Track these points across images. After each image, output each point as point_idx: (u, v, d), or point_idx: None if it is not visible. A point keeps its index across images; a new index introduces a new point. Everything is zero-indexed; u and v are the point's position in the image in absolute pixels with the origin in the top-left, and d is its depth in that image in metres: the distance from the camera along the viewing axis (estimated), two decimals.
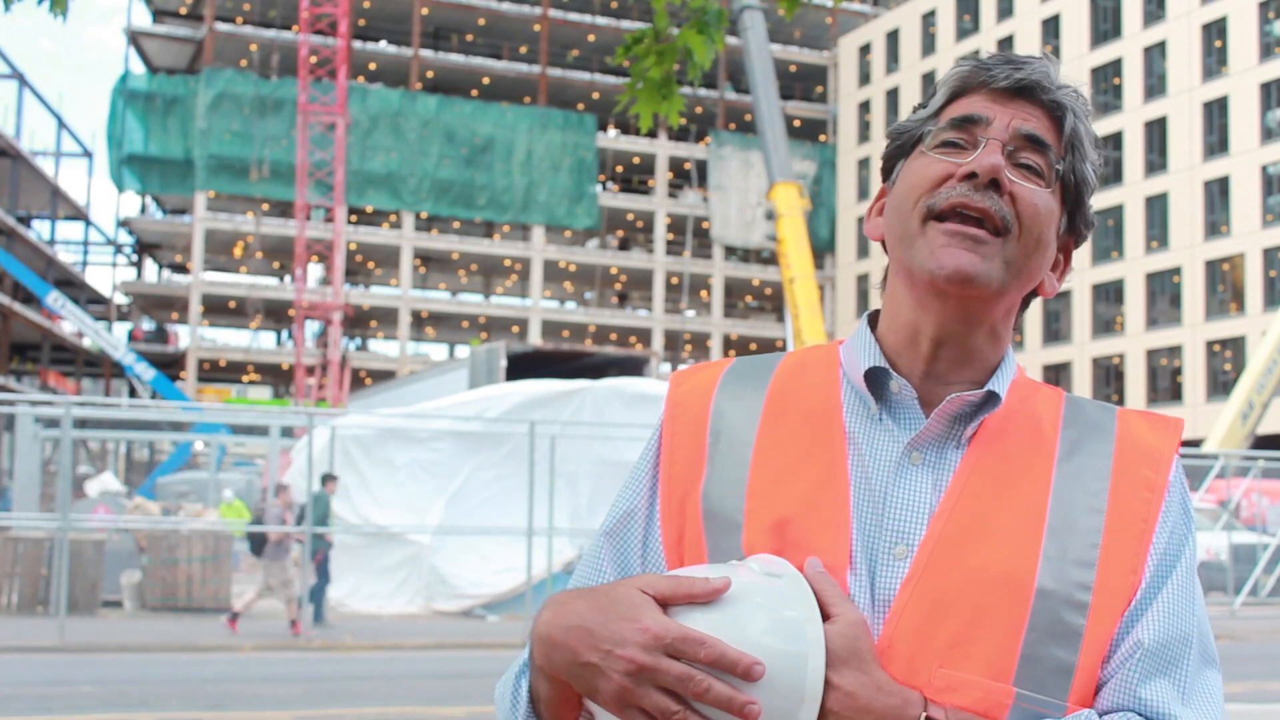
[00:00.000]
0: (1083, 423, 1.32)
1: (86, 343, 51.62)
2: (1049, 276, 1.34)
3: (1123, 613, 1.23)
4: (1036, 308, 54.31)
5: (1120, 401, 49.92)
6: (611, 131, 65.32)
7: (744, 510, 1.28)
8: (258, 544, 15.22)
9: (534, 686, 1.22)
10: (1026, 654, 1.19)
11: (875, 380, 1.32)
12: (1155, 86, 50.22)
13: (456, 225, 63.50)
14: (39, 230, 56.64)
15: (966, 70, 1.33)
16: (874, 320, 1.38)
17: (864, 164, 64.51)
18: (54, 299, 37.98)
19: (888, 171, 1.38)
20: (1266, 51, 46.37)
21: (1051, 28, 54.92)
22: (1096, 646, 1.22)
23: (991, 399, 1.29)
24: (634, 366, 26.97)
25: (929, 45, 61.45)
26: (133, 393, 46.61)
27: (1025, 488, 1.26)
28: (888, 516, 1.25)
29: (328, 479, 15.75)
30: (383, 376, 57.61)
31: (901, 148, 1.36)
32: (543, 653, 1.18)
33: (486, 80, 63.91)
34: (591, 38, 65.00)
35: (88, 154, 61.43)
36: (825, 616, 1.17)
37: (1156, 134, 50.02)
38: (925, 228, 1.28)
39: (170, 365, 57.88)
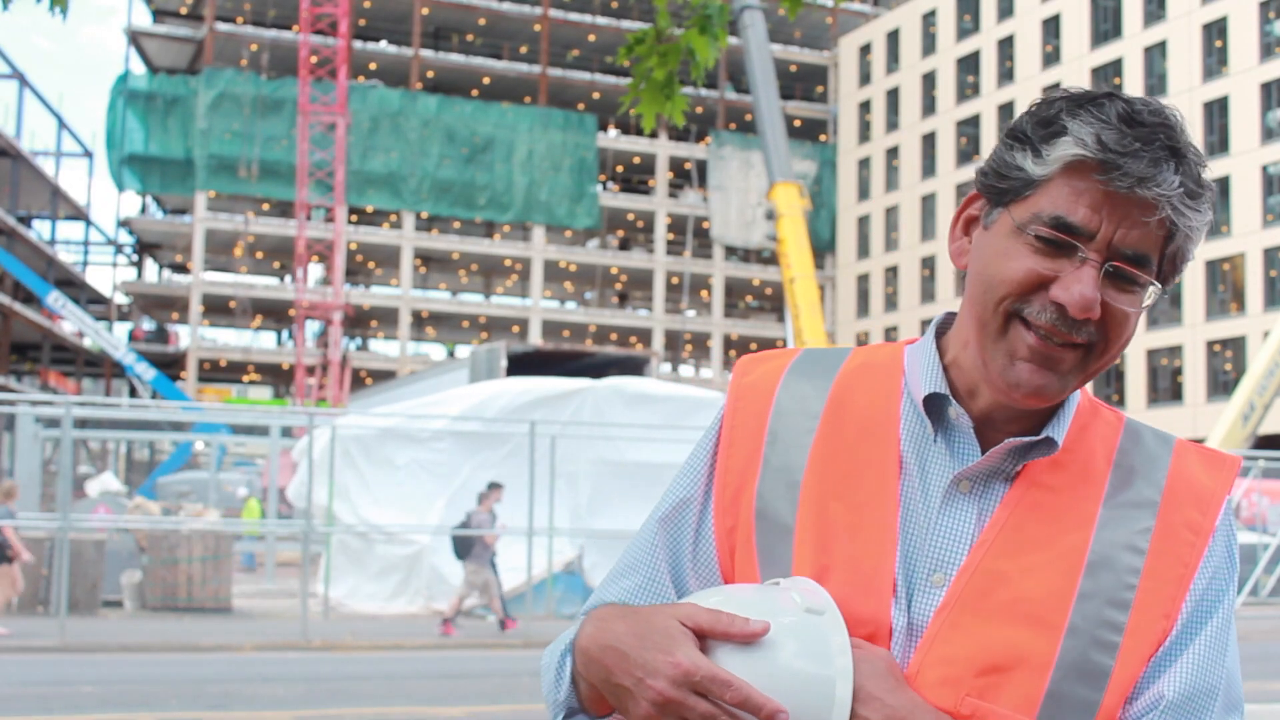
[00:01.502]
0: (1137, 455, 1.31)
1: (87, 343, 51.62)
2: None
3: (1151, 656, 1.23)
4: None
5: (1120, 402, 49.92)
6: (612, 131, 65.31)
7: (795, 517, 1.29)
8: (463, 547, 15.31)
9: (574, 678, 1.26)
10: (1052, 690, 1.20)
11: (934, 404, 1.31)
12: (1155, 86, 50.23)
13: (457, 225, 63.50)
14: (39, 230, 56.67)
15: (1093, 159, 1.21)
16: (941, 327, 1.37)
17: (864, 164, 64.52)
18: (54, 299, 37.99)
19: (993, 196, 1.29)
20: (1266, 51, 46.38)
21: (1052, 28, 54.93)
22: (1121, 687, 1.22)
23: (1047, 443, 1.27)
24: (634, 366, 26.97)
25: (929, 45, 61.44)
26: (133, 393, 46.61)
27: (1068, 524, 1.25)
28: (930, 543, 1.26)
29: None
30: (383, 376, 57.61)
31: (1000, 190, 1.27)
32: (582, 663, 1.23)
33: (487, 80, 63.91)
34: (591, 38, 64.99)
35: (88, 154, 61.45)
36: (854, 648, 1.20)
37: None
38: (1008, 330, 1.24)
39: (170, 365, 57.89)
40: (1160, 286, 1.25)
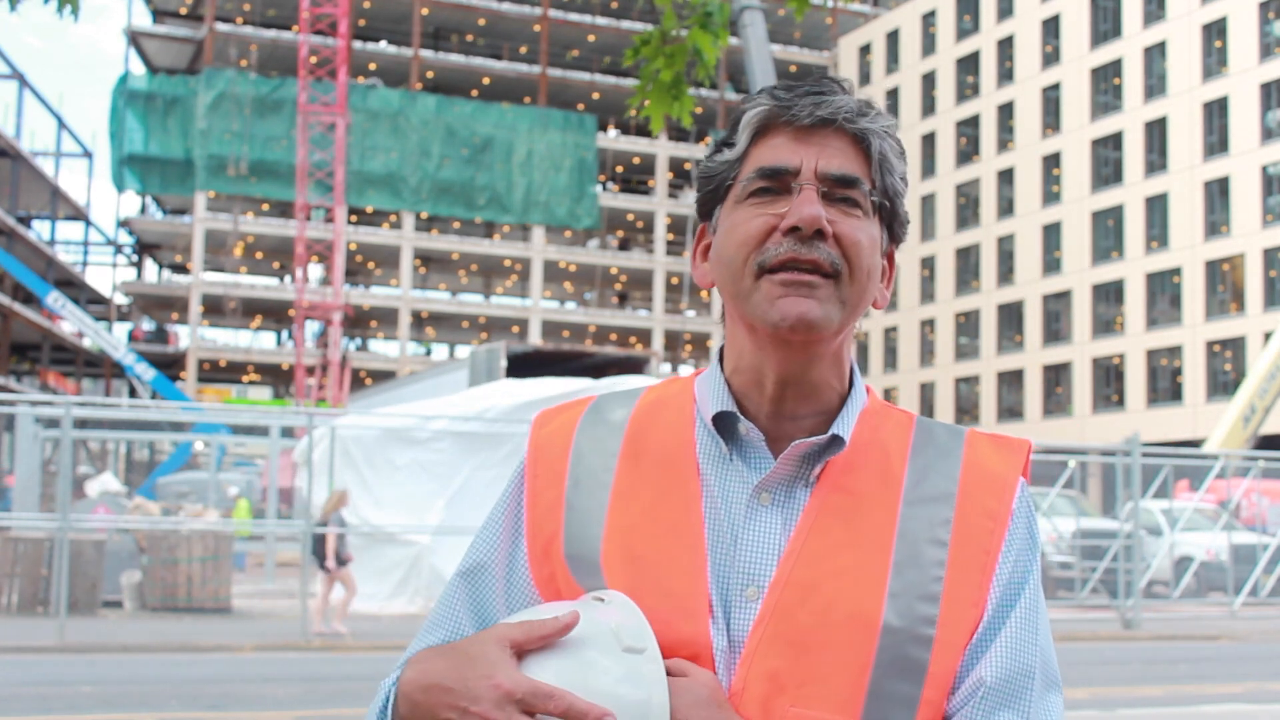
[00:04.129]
0: (931, 450, 1.34)
1: (86, 343, 51.62)
2: (878, 291, 1.35)
3: (966, 645, 1.26)
4: (1036, 308, 54.31)
5: (1120, 402, 49.92)
6: (611, 131, 65.31)
7: (600, 553, 1.29)
8: None
9: None
10: (873, 690, 1.22)
11: (724, 422, 1.33)
12: (1155, 86, 50.22)
13: (456, 225, 63.51)
14: (39, 230, 56.66)
15: (766, 109, 1.31)
16: (722, 352, 1.40)
17: None
18: (54, 299, 37.98)
19: (705, 213, 1.38)
20: (1266, 51, 46.37)
21: (1051, 28, 54.92)
22: (941, 679, 1.25)
23: (836, 442, 1.30)
24: (634, 366, 26.95)
25: (929, 45, 61.45)
26: (133, 393, 46.61)
27: (872, 524, 1.28)
28: (739, 558, 1.27)
29: None
30: (383, 376, 57.61)
31: (715, 192, 1.35)
32: (407, 710, 1.21)
33: (486, 80, 63.92)
34: (591, 38, 65.00)
35: (88, 154, 61.45)
36: (679, 674, 1.20)
37: (1156, 134, 50.02)
38: (759, 282, 1.28)
39: (170, 365, 57.89)
40: (889, 196, 1.32)
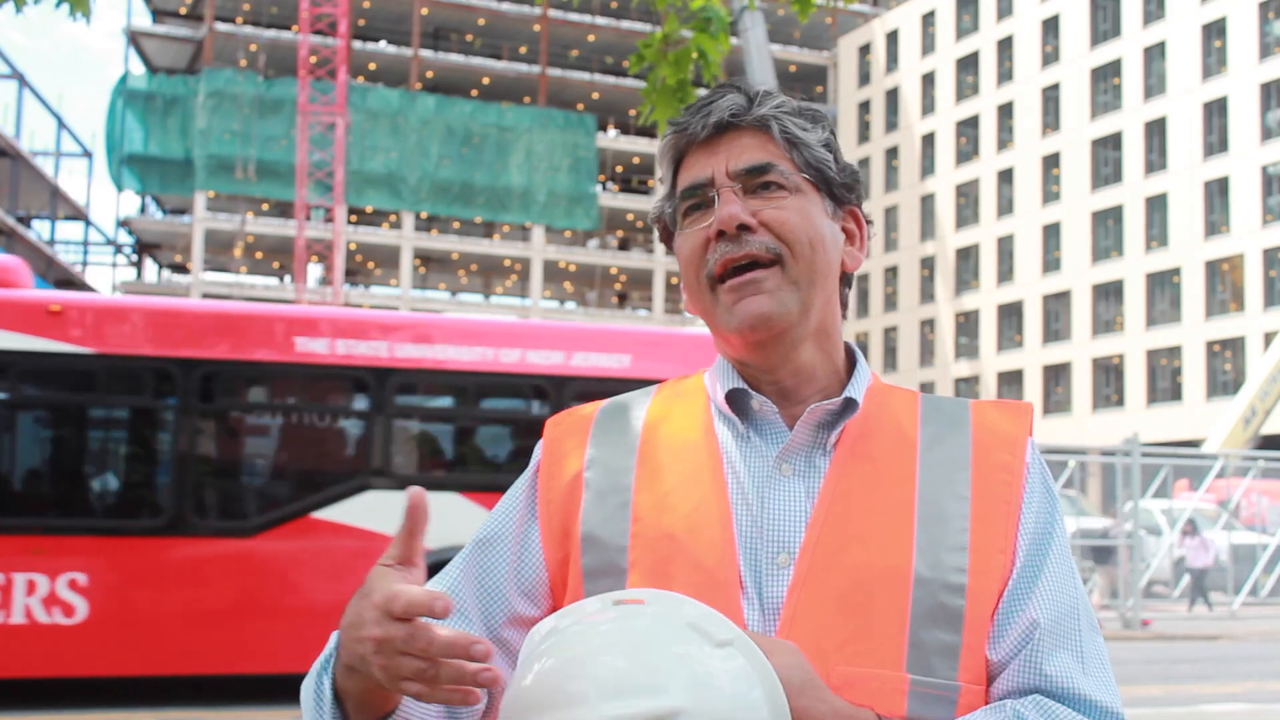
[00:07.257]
0: (940, 417, 1.38)
1: None
2: (847, 253, 1.42)
3: (999, 591, 1.29)
4: (1036, 307, 54.35)
5: (1120, 402, 49.94)
6: (611, 131, 65.32)
7: (629, 534, 1.32)
8: None
9: (341, 684, 1.23)
10: (913, 640, 1.25)
11: (737, 401, 1.38)
12: (1155, 86, 50.25)
13: (456, 225, 63.52)
14: (39, 230, 56.64)
15: (671, 138, 1.39)
16: None
17: (863, 164, 64.56)
18: None
19: (670, 239, 1.45)
20: (1266, 51, 46.39)
21: (1051, 28, 54.94)
22: (978, 625, 1.28)
23: (850, 405, 1.35)
24: None
25: (929, 45, 61.46)
26: None
27: (893, 484, 1.32)
28: (766, 528, 1.30)
29: None
30: None
31: (667, 229, 1.43)
32: (341, 650, 1.21)
33: (486, 80, 63.93)
34: (591, 38, 65.01)
35: (87, 154, 61.44)
36: (769, 653, 1.19)
37: (1156, 134, 50.04)
38: (716, 296, 1.35)
39: None
40: (812, 166, 1.38)
